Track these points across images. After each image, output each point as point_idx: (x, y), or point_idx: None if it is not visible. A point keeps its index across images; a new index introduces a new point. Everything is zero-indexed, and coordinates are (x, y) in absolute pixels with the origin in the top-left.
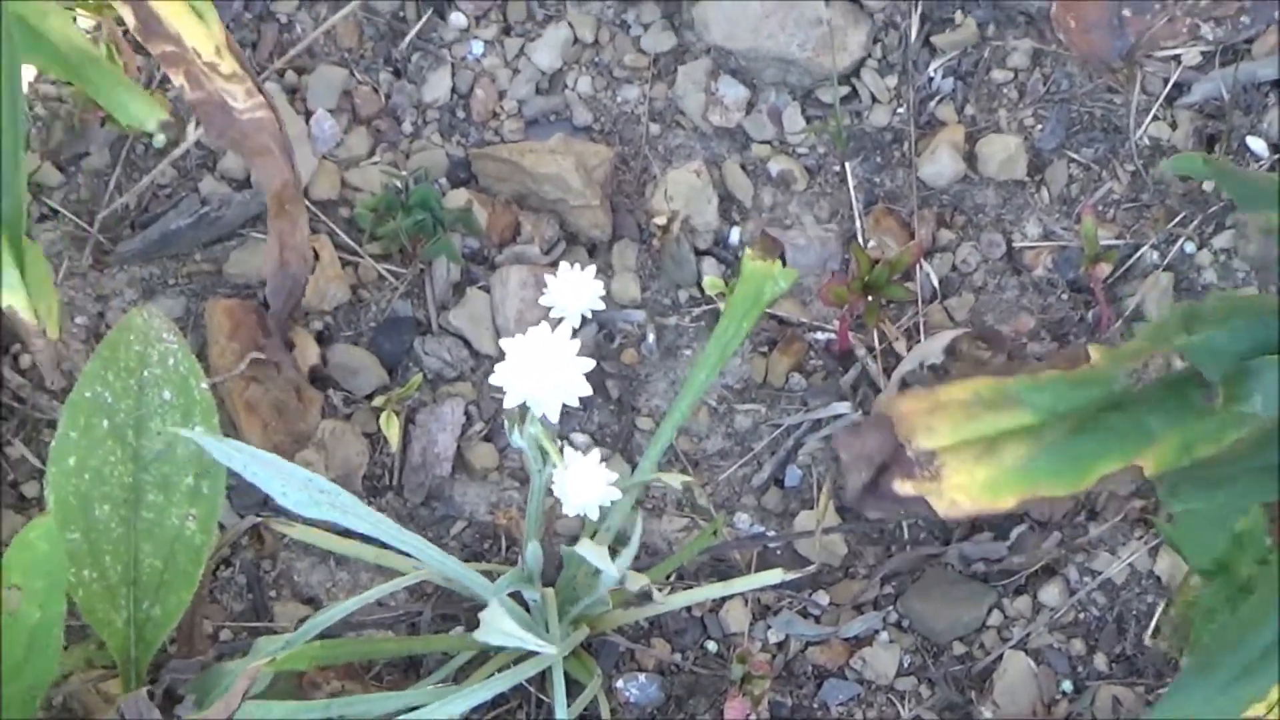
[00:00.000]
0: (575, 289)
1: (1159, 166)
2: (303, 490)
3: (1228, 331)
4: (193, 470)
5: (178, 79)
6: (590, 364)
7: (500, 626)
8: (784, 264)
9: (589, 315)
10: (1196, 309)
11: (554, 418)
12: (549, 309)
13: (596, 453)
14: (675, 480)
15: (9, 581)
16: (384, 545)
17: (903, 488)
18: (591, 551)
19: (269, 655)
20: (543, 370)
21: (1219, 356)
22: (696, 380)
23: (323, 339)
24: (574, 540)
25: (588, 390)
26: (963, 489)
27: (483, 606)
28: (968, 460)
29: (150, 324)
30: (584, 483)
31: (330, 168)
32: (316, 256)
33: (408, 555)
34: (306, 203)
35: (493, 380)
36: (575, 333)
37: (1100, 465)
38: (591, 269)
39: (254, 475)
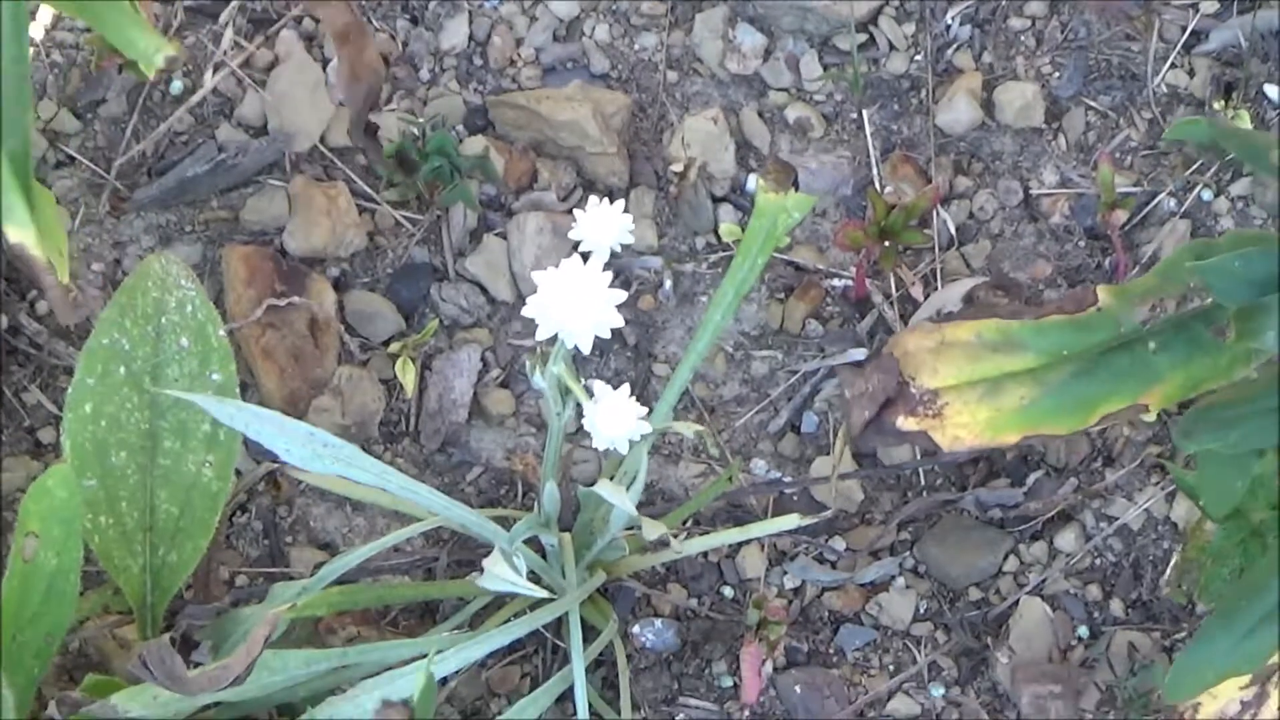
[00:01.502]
0: (604, 223)
1: (1168, 128)
2: (305, 446)
3: (1241, 257)
4: (209, 417)
5: None
6: (622, 295)
7: (501, 574)
8: (797, 189)
9: (618, 249)
10: (1210, 243)
11: (586, 349)
12: (578, 243)
13: (626, 387)
14: (688, 429)
15: (26, 528)
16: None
17: (906, 424)
18: (607, 488)
19: (286, 602)
20: (575, 302)
21: (1231, 279)
22: (713, 320)
23: (339, 285)
24: (590, 484)
25: (620, 321)
26: (965, 427)
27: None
28: (970, 401)
29: (168, 270)
30: (615, 417)
31: (347, 115)
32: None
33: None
34: (323, 148)
35: (525, 312)
36: (606, 265)
37: (1104, 405)
38: (620, 203)
39: (256, 433)
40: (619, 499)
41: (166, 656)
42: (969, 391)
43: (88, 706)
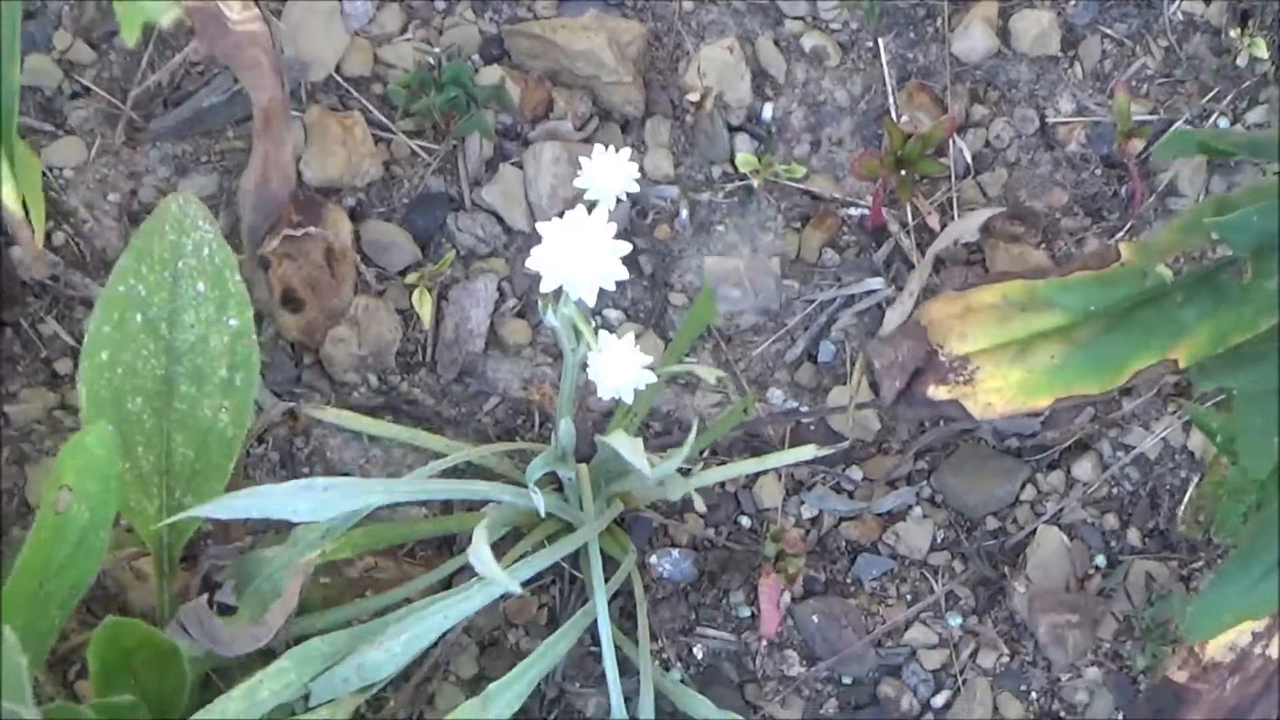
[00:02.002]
0: (610, 171)
1: (1184, 54)
2: (308, 499)
3: (1259, 210)
4: (226, 362)
5: None
6: (626, 247)
7: (482, 560)
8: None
9: (624, 197)
10: (1229, 197)
11: (590, 301)
12: (584, 191)
13: (631, 335)
14: (709, 374)
15: (61, 480)
16: (416, 426)
17: (937, 393)
18: (624, 445)
19: (308, 545)
20: (579, 254)
21: (1250, 234)
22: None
23: (355, 215)
24: (607, 416)
25: (624, 274)
26: (997, 392)
27: (517, 484)
28: (1002, 364)
29: (185, 210)
30: (618, 366)
31: (363, 44)
32: (300, 177)
33: (440, 434)
34: (339, 78)
35: (529, 264)
36: (611, 211)
37: (1134, 361)
38: (626, 151)
39: (263, 512)
40: (638, 460)
41: (204, 617)
42: (1000, 354)
43: None
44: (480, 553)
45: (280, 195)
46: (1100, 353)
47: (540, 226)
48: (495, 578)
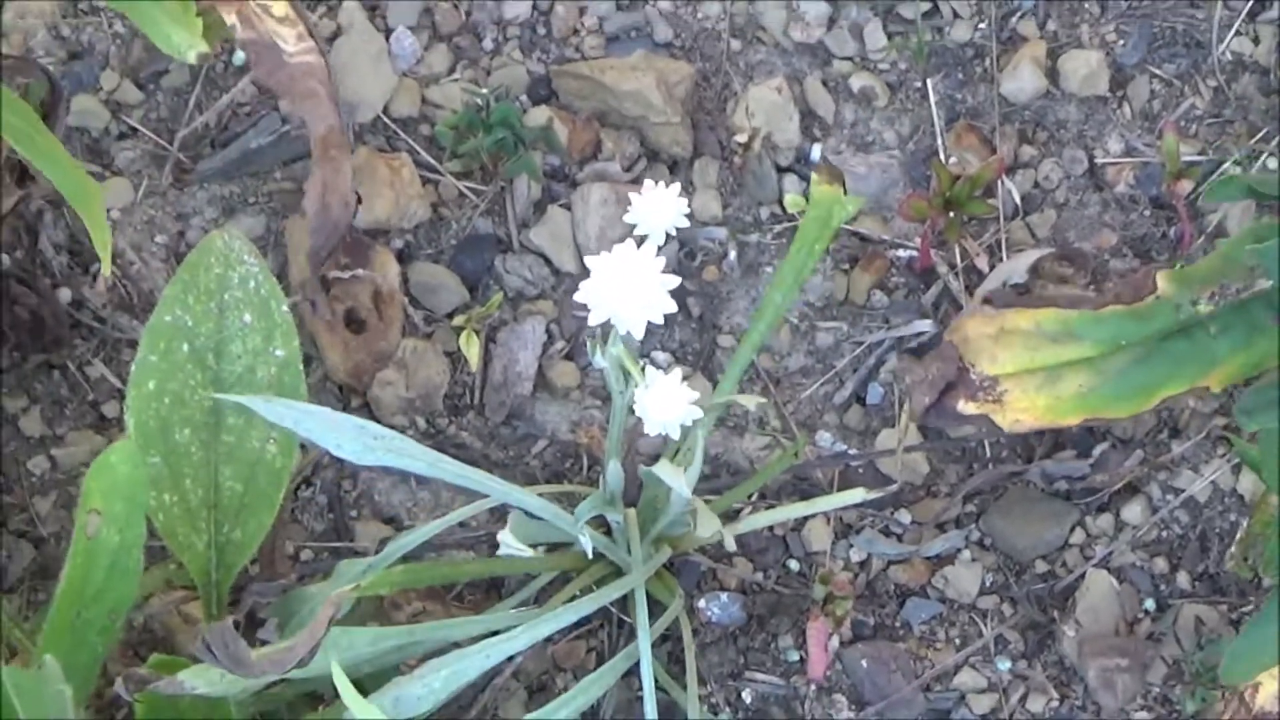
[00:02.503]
0: (660, 206)
1: (1233, 94)
2: (356, 439)
3: None
4: (273, 393)
5: (230, 18)
6: (675, 281)
7: (511, 544)
8: (846, 192)
9: (673, 232)
10: (1273, 224)
11: (639, 335)
12: (633, 226)
13: (678, 372)
14: (750, 402)
15: (89, 505)
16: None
17: (967, 408)
18: (666, 471)
19: (351, 579)
20: (627, 288)
21: None
22: (773, 302)
23: (403, 257)
24: (656, 459)
25: (673, 307)
26: (1025, 411)
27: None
28: (1029, 389)
29: (231, 245)
30: (666, 402)
31: (411, 85)
32: (359, 201)
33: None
34: (386, 119)
35: (577, 298)
36: (660, 250)
37: (1163, 389)
38: (676, 186)
39: (307, 430)
40: (676, 482)
41: (229, 639)
42: (1028, 379)
43: (154, 683)
44: (506, 537)
45: (341, 220)
46: (1130, 383)
47: (589, 261)
48: (520, 552)
